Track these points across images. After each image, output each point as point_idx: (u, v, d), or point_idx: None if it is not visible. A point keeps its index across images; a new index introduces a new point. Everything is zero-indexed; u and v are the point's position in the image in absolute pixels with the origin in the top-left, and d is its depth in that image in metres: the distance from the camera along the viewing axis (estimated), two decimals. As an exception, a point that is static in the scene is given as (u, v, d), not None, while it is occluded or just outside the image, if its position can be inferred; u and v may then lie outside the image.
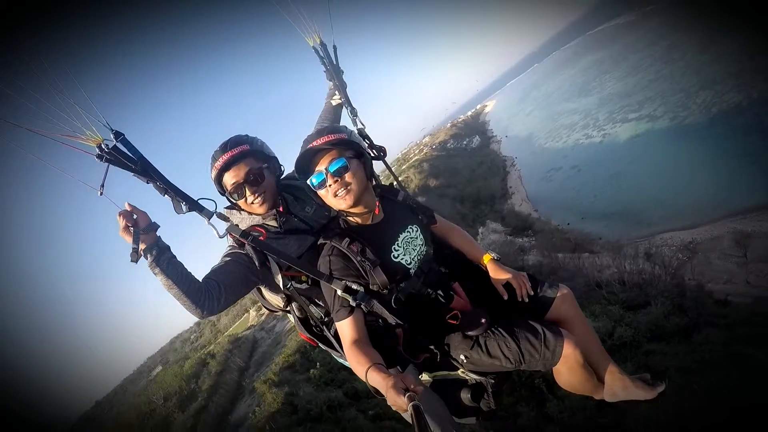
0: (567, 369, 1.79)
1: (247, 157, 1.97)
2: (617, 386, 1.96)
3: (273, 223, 2.06)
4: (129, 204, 1.72)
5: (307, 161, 1.83)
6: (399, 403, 1.35)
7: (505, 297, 2.01)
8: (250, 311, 34.86)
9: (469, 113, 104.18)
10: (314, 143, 1.77)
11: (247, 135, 2.07)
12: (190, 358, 24.21)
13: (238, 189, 1.97)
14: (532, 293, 1.97)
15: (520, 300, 1.97)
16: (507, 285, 2.02)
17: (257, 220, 2.06)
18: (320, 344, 2.23)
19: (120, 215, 1.72)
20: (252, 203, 1.98)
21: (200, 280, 1.84)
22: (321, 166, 1.80)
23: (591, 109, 35.96)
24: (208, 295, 1.82)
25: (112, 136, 1.67)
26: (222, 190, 2.03)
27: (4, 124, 1.56)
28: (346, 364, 1.98)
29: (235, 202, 2.06)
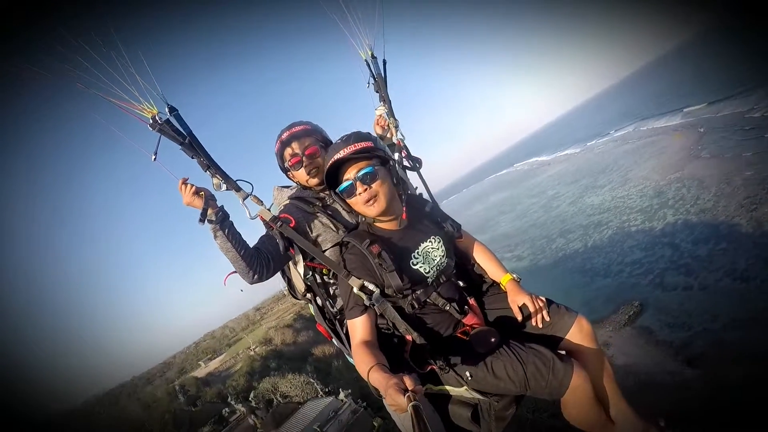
0: (574, 401, 1.73)
1: (308, 135, 2.20)
2: (629, 430, 1.88)
3: (317, 201, 2.19)
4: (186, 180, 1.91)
5: (335, 170, 1.88)
6: (398, 402, 1.35)
7: (520, 319, 1.97)
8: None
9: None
10: (341, 153, 1.82)
11: (309, 121, 2.30)
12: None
13: (297, 161, 2.16)
14: (548, 319, 1.92)
15: (535, 324, 1.93)
16: (524, 308, 1.97)
17: (307, 194, 2.23)
18: (333, 338, 2.25)
19: (190, 185, 1.88)
20: (308, 174, 2.16)
21: (252, 248, 1.99)
22: (349, 175, 1.86)
23: (482, 244, 38.70)
24: (259, 262, 1.95)
25: (167, 110, 1.79)
26: (282, 162, 2.24)
27: (75, 86, 1.69)
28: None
29: (291, 175, 2.27)
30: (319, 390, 21.31)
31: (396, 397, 1.35)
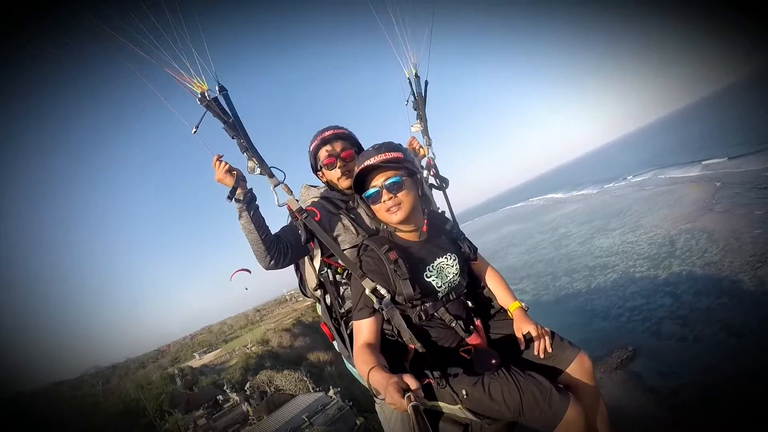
0: None
1: (344, 139, 2.32)
2: None
3: (341, 203, 2.25)
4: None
5: (363, 176, 1.97)
6: (397, 401, 1.38)
7: (523, 347, 2.02)
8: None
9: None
10: (372, 160, 1.91)
11: (345, 126, 2.37)
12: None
13: (332, 161, 2.26)
14: (550, 350, 1.96)
15: (537, 353, 1.97)
16: (528, 336, 2.00)
17: (333, 195, 2.31)
18: (336, 339, 2.28)
19: (224, 162, 1.97)
20: (340, 176, 2.27)
21: (273, 235, 2.07)
22: (377, 182, 1.95)
23: (488, 275, 38.65)
24: (278, 248, 2.04)
25: (217, 88, 1.90)
26: (315, 162, 2.34)
27: (135, 54, 1.78)
28: (353, 371, 2.06)
29: (322, 174, 2.36)
30: (311, 387, 23.34)
31: (395, 395, 1.38)
